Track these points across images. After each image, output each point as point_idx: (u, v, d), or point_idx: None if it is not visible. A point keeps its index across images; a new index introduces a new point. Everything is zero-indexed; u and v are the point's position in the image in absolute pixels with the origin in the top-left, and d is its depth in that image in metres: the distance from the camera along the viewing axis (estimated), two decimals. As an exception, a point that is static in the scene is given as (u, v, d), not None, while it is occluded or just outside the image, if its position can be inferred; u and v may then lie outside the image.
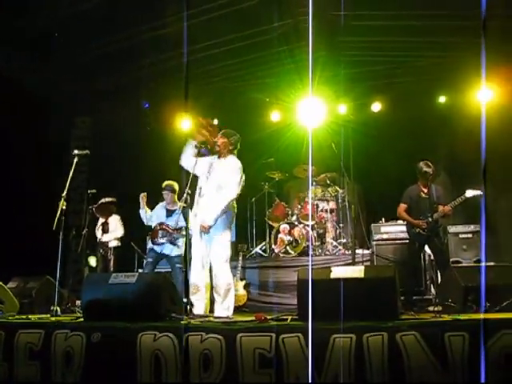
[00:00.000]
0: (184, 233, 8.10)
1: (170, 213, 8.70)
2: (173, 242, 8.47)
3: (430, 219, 7.78)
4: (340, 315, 4.50)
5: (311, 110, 10.08)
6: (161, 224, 8.58)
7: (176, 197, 8.74)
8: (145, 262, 8.82)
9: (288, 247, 9.89)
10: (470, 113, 10.08)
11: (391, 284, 4.82)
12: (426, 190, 7.98)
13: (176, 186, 8.75)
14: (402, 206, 8.14)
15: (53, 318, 6.12)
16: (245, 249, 9.65)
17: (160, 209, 8.82)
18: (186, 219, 6.52)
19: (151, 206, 8.87)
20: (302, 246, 9.83)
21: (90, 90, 10.34)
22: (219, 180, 6.52)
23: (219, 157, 6.69)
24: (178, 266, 8.45)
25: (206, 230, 6.40)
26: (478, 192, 7.65)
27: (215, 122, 11.12)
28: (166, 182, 8.79)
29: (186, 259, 6.30)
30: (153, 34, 9.00)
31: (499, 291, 6.08)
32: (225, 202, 6.41)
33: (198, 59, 9.84)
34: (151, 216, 8.76)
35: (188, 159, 6.59)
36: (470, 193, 7.67)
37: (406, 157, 9.57)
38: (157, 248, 8.55)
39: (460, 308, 5.98)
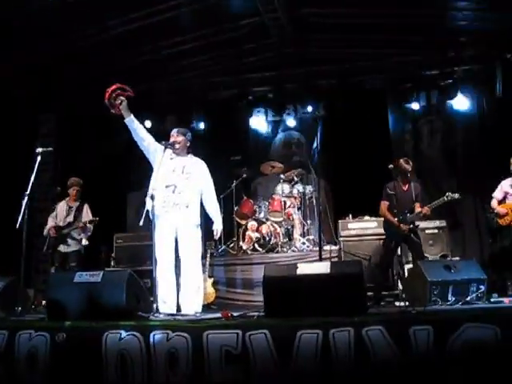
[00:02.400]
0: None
1: (70, 209, 8.97)
2: (64, 239, 8.76)
3: (408, 215, 7.79)
4: (306, 311, 4.52)
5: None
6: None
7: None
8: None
9: (256, 244, 9.88)
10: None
11: (358, 279, 4.84)
12: (405, 188, 8.00)
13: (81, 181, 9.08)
14: (385, 204, 8.08)
15: (17, 319, 6.04)
16: (213, 246, 9.59)
17: (63, 205, 9.08)
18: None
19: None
20: (270, 243, 9.83)
21: (56, 85, 10.16)
22: (198, 180, 6.56)
23: (178, 154, 6.59)
24: (71, 264, 8.67)
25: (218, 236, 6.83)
26: (457, 195, 7.66)
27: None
28: (73, 179, 9.07)
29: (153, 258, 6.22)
30: (120, 31, 8.91)
31: (464, 285, 6.19)
32: (217, 204, 6.82)
33: (169, 55, 9.85)
34: (56, 215, 9.03)
35: (154, 153, 6.50)
36: (450, 195, 7.66)
37: (373, 154, 9.66)
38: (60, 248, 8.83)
39: (426, 302, 6.04)
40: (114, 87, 6.24)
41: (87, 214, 8.94)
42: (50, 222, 8.97)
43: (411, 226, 7.76)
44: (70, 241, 8.80)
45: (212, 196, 6.73)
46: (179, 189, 6.40)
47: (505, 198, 8.35)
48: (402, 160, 8.02)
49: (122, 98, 6.23)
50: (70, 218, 8.89)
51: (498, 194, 8.40)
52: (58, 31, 8.62)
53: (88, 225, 8.80)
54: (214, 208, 6.72)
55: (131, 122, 6.38)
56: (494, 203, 8.38)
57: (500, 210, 8.25)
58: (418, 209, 7.84)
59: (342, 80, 10.58)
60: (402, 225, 7.76)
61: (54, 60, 9.34)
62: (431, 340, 4.01)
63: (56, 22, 8.31)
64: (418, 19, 8.87)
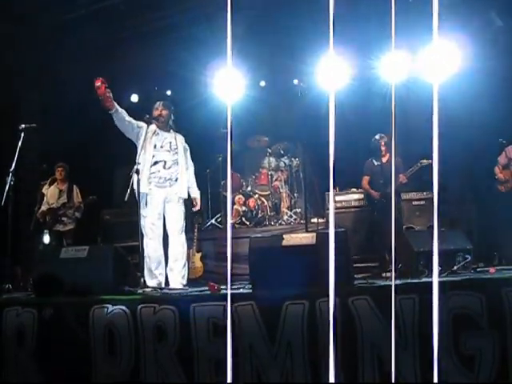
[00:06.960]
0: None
1: (61, 192, 9.17)
2: (60, 219, 8.95)
3: (388, 190, 7.86)
4: (292, 282, 4.53)
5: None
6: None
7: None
8: None
9: (243, 218, 9.89)
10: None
11: (343, 249, 4.82)
12: (384, 161, 8.08)
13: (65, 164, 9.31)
14: (365, 179, 8.38)
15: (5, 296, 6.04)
16: (200, 221, 9.58)
17: (53, 190, 9.20)
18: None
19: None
20: (257, 217, 9.84)
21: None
22: (183, 155, 6.59)
23: (162, 129, 6.58)
24: (68, 242, 8.85)
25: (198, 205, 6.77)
26: (431, 161, 7.69)
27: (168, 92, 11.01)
28: (58, 164, 9.24)
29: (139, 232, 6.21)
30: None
31: (450, 255, 6.21)
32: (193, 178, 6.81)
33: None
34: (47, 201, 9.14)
35: (138, 134, 6.48)
36: (424, 161, 7.75)
37: (357, 126, 9.62)
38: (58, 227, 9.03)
39: (412, 272, 6.07)
40: (101, 81, 6.11)
41: (77, 195, 9.17)
42: (42, 207, 9.06)
43: (388, 192, 7.84)
44: (66, 220, 8.99)
45: (192, 169, 6.83)
46: (169, 164, 6.44)
47: (508, 164, 8.17)
48: (377, 136, 8.20)
49: (108, 89, 6.15)
50: (64, 199, 9.05)
51: (501, 160, 8.24)
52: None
53: (81, 205, 9.13)
54: (192, 177, 6.82)
55: (117, 112, 6.31)
56: (496, 169, 8.28)
57: (500, 176, 8.20)
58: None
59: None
60: (377, 193, 8.07)
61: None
62: (417, 309, 4.04)
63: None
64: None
